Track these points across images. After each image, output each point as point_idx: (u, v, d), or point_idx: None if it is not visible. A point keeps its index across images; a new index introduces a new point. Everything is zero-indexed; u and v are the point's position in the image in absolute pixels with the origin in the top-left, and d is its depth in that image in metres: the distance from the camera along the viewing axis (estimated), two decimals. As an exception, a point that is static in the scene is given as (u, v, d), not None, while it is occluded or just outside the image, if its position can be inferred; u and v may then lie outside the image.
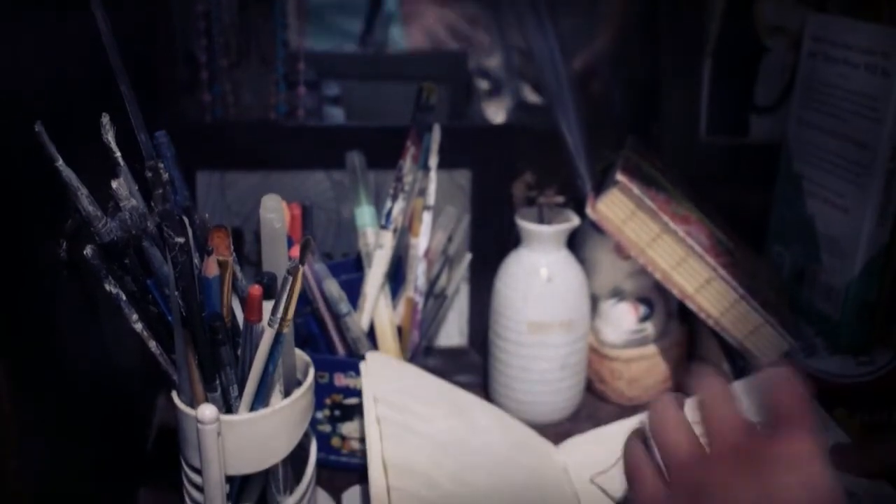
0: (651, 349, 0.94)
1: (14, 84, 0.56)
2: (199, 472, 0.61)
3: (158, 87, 0.96)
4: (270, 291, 0.59)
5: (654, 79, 1.04)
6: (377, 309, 0.85)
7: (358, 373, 0.81)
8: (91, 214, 0.56)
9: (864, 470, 0.68)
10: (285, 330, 0.59)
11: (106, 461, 0.73)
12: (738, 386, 0.82)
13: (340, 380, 0.82)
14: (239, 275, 0.63)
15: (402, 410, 0.74)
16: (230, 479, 0.62)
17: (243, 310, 0.59)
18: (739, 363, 0.89)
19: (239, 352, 0.61)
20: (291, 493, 0.66)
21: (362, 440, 0.84)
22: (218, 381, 0.60)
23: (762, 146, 1.04)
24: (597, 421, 0.94)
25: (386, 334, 0.85)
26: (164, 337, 0.61)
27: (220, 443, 0.59)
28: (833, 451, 0.70)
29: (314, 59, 1.01)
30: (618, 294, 0.95)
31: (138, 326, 0.60)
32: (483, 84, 1.09)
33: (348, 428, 0.84)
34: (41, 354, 0.60)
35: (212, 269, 0.57)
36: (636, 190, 0.85)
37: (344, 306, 0.81)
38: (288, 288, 0.57)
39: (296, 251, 0.59)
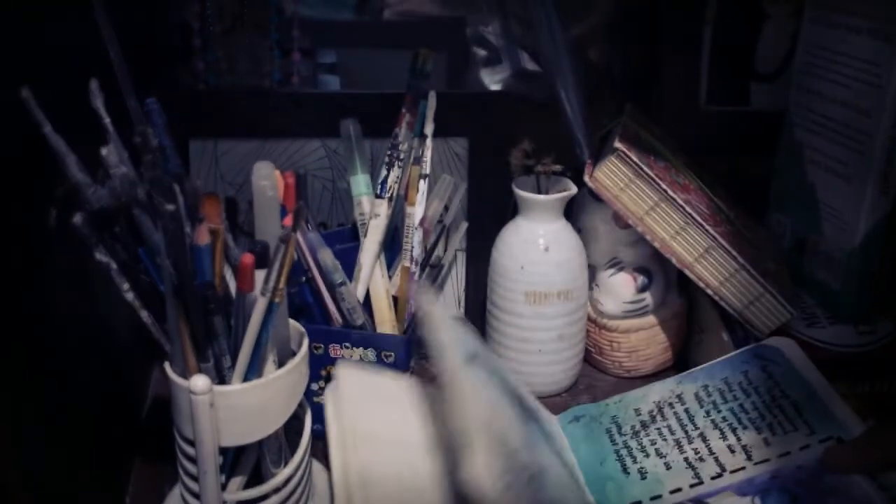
0: (650, 320, 0.94)
1: (1, 49, 0.55)
2: (192, 443, 0.60)
3: (151, 55, 0.95)
4: (263, 260, 0.58)
5: (654, 46, 1.03)
6: (373, 279, 0.85)
7: (353, 343, 0.81)
8: (80, 181, 0.55)
9: (862, 469, 0.67)
10: (278, 300, 0.58)
11: (101, 432, 0.72)
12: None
13: (336, 350, 0.81)
14: (231, 243, 0.62)
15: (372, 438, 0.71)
16: (224, 451, 0.62)
17: (236, 279, 0.58)
18: (739, 333, 0.88)
19: (232, 322, 0.60)
20: (286, 464, 0.66)
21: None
22: (211, 352, 0.59)
23: (763, 114, 1.03)
24: (595, 393, 0.93)
25: (382, 304, 0.85)
26: (156, 307, 0.60)
27: (212, 414, 0.58)
28: (829, 451, 0.70)
29: (309, 27, 0.99)
30: (616, 264, 0.94)
31: (129, 296, 0.59)
32: (481, 51, 1.07)
33: (344, 399, 0.83)
34: (34, 325, 0.59)
35: (203, 237, 0.56)
36: (635, 158, 0.84)
37: (339, 276, 0.81)
38: (280, 256, 0.56)
39: (289, 220, 0.58)
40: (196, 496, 0.62)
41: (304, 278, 0.82)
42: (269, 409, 0.62)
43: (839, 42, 0.87)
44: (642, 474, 0.74)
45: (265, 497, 0.64)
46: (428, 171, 0.84)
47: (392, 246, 0.87)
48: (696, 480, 0.71)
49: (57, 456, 0.62)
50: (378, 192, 0.84)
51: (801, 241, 0.95)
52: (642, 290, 0.93)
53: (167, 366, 0.61)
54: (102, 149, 0.55)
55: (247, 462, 0.65)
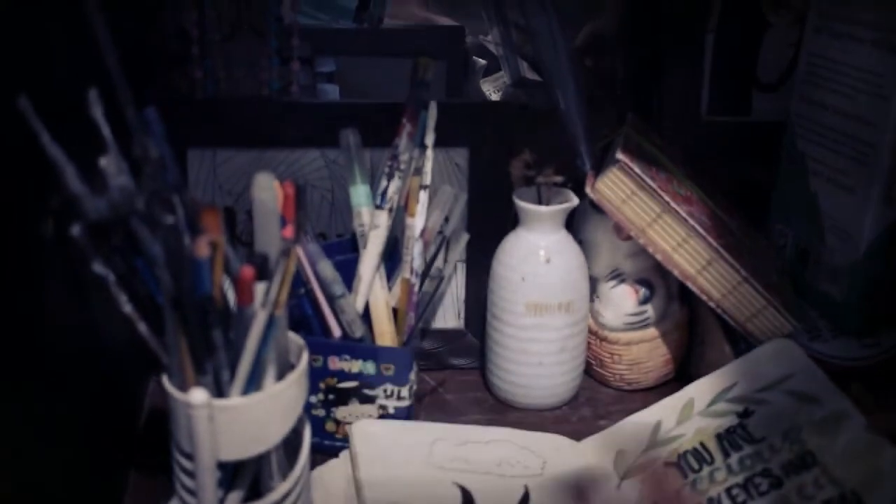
0: (651, 332, 0.93)
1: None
2: (190, 457, 0.59)
3: (149, 63, 0.94)
4: (263, 273, 0.57)
5: (655, 55, 1.03)
6: (372, 290, 0.84)
7: (352, 356, 0.80)
8: (78, 192, 0.54)
9: None
10: (278, 312, 0.57)
11: (96, 444, 0.72)
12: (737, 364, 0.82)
13: (335, 363, 0.81)
14: (231, 255, 0.61)
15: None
16: (222, 465, 0.61)
17: (235, 292, 0.57)
18: (742, 346, 0.87)
19: (231, 335, 0.59)
20: (285, 478, 0.65)
21: (357, 424, 0.83)
22: (209, 365, 0.59)
23: (765, 124, 1.03)
24: (596, 405, 0.93)
25: (381, 316, 0.84)
26: (154, 319, 0.59)
27: (211, 428, 0.57)
28: None
29: (309, 35, 0.98)
30: (617, 276, 0.93)
31: (127, 308, 0.59)
32: (480, 61, 1.07)
33: (343, 412, 0.83)
34: (29, 336, 0.58)
35: (202, 249, 0.55)
36: (637, 169, 0.84)
37: (338, 288, 0.80)
38: (281, 269, 0.56)
39: (289, 231, 0.57)
40: (194, 511, 0.62)
41: (303, 290, 0.81)
42: (269, 423, 0.61)
43: (842, 52, 0.87)
44: None
45: (264, 512, 0.64)
46: (428, 182, 0.83)
47: (392, 257, 0.86)
48: None
49: (52, 468, 0.61)
50: (378, 202, 0.83)
51: (803, 253, 0.94)
52: (644, 302, 0.93)
53: (165, 379, 0.60)
54: (101, 159, 0.54)
55: (245, 476, 0.64)
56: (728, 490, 0.74)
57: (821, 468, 0.71)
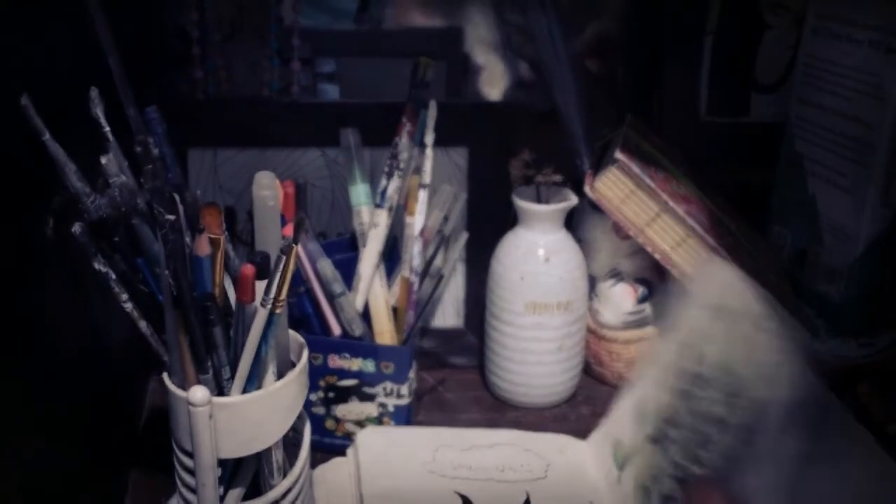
0: (650, 331, 0.93)
1: (1, 56, 0.55)
2: (190, 455, 0.59)
3: (149, 64, 0.95)
4: (263, 271, 0.57)
5: (655, 56, 1.03)
6: (372, 289, 0.84)
7: (352, 354, 0.80)
8: (79, 191, 0.55)
9: None
10: (278, 311, 0.57)
11: (97, 442, 0.72)
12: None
13: (335, 361, 0.81)
14: (231, 254, 0.61)
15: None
16: (222, 463, 0.61)
17: (235, 290, 0.58)
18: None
19: (231, 333, 0.59)
20: (285, 476, 0.65)
21: (357, 422, 0.83)
22: (210, 363, 0.59)
23: (763, 125, 1.03)
24: (594, 403, 0.93)
25: (381, 315, 0.84)
26: (155, 317, 0.60)
27: (211, 426, 0.57)
28: None
29: (309, 36, 0.99)
30: (616, 275, 0.94)
31: (128, 306, 0.59)
32: (480, 61, 1.07)
33: (343, 410, 0.83)
34: (29, 335, 0.58)
35: (203, 247, 0.55)
36: (636, 168, 0.84)
37: (338, 286, 0.80)
38: (281, 267, 0.56)
39: (289, 230, 0.57)
40: (194, 509, 0.62)
41: (303, 288, 0.81)
42: (269, 420, 0.61)
43: (840, 53, 0.87)
44: None
45: (264, 509, 0.64)
46: (428, 181, 0.83)
47: (391, 256, 0.86)
48: None
49: (54, 467, 0.61)
50: (378, 201, 0.83)
51: (801, 253, 0.94)
52: (642, 300, 0.93)
53: (166, 377, 0.60)
54: (102, 158, 0.54)
55: (245, 474, 0.64)
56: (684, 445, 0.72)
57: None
